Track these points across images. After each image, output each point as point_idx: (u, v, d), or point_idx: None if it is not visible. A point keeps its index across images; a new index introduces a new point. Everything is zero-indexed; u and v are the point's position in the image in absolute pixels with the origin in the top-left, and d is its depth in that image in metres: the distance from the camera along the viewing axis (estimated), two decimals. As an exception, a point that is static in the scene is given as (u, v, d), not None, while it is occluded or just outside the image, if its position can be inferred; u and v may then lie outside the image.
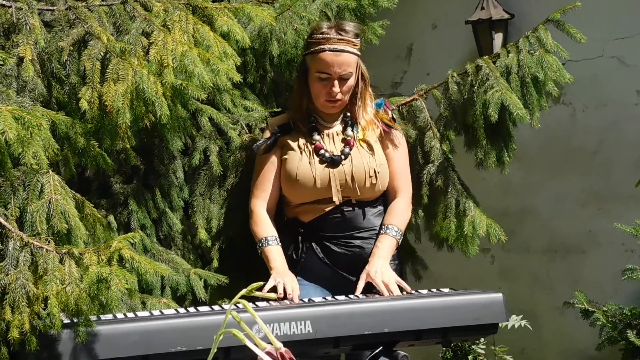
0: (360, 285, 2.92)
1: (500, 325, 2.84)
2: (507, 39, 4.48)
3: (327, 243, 3.01)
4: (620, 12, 4.29)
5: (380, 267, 2.93)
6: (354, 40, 3.00)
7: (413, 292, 2.89)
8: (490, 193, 4.30)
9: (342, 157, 3.00)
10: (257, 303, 2.71)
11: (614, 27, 4.30)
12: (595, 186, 4.42)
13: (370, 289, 2.93)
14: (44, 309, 2.31)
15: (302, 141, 3.03)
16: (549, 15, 3.30)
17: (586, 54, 4.19)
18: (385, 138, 3.07)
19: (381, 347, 2.72)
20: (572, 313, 4.10)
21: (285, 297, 2.82)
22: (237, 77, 2.73)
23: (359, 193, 2.99)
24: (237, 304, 1.64)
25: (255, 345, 1.52)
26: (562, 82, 3.23)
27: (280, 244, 2.99)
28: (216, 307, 2.74)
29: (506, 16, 4.48)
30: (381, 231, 3.01)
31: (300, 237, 3.02)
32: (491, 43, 4.47)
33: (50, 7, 2.87)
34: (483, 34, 4.50)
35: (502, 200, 4.53)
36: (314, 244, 3.01)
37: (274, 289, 2.85)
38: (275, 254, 2.96)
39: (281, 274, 2.89)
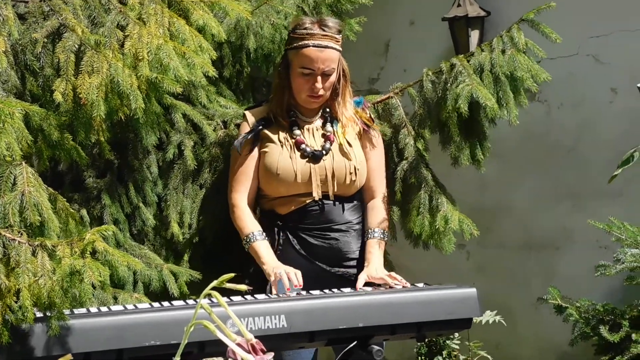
0: (360, 283, 2.95)
1: (475, 320, 2.86)
2: (484, 36, 4.50)
3: (303, 235, 3.02)
4: (595, 11, 4.32)
5: (378, 268, 2.99)
6: (336, 36, 3.01)
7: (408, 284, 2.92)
8: (466, 189, 4.32)
9: (324, 152, 3.02)
10: (231, 297, 2.71)
11: (589, 25, 4.33)
12: (570, 183, 4.45)
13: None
14: (16, 302, 2.30)
15: (282, 135, 3.03)
16: (524, 13, 3.31)
17: (562, 52, 4.21)
18: (363, 136, 3.10)
19: (356, 342, 2.73)
20: (547, 308, 4.12)
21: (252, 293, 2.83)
22: (213, 71, 2.72)
23: (336, 189, 3.01)
24: (212, 298, 1.63)
25: (226, 336, 1.52)
26: (538, 80, 3.25)
27: (266, 238, 2.99)
28: (190, 302, 2.73)
29: (482, 13, 4.50)
30: (369, 236, 3.06)
31: (276, 229, 3.02)
32: (467, 40, 4.49)
33: (24, -1, 2.86)
34: (459, 31, 4.52)
35: (478, 196, 4.55)
36: (290, 236, 3.02)
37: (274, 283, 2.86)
38: (264, 249, 2.96)
39: (275, 267, 2.89)
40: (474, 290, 2.79)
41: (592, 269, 3.93)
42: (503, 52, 3.25)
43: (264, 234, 2.99)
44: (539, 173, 4.52)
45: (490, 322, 4.11)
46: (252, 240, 2.97)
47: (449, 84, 3.22)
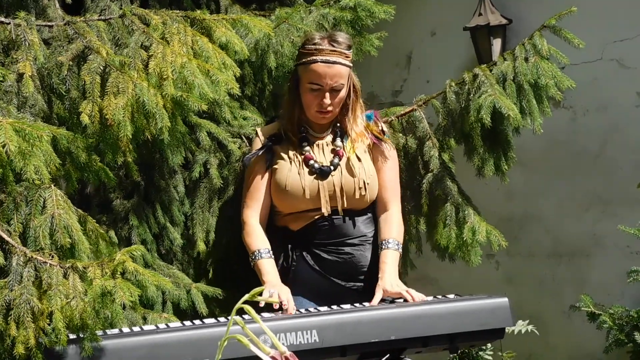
0: (377, 299, 2.91)
1: (507, 330, 2.84)
2: (506, 44, 4.49)
3: (316, 251, 3.01)
4: (618, 15, 4.30)
5: (394, 281, 2.94)
6: (346, 52, 3.00)
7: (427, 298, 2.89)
8: (493, 199, 4.30)
9: (332, 167, 3.01)
10: (262, 314, 2.70)
11: (612, 29, 4.31)
12: (598, 189, 4.42)
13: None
14: (49, 324, 2.31)
15: (292, 151, 3.03)
16: (547, 19, 3.30)
17: (585, 57, 4.19)
18: (374, 150, 3.08)
19: (388, 355, 2.71)
20: (579, 316, 4.09)
21: (280, 309, 2.80)
22: (237, 89, 2.73)
23: (347, 204, 3.00)
24: (243, 314, 1.63)
25: (260, 350, 1.51)
26: (562, 87, 3.23)
27: (272, 256, 2.98)
28: (222, 319, 2.73)
29: (504, 21, 4.49)
30: (382, 247, 3.02)
31: (290, 246, 3.02)
32: (490, 49, 4.47)
33: (49, 23, 2.88)
34: (482, 39, 4.51)
35: (505, 205, 4.53)
36: (304, 252, 3.01)
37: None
38: (268, 267, 2.95)
39: (274, 287, 2.88)
40: (506, 300, 2.77)
41: (623, 275, 3.89)
42: (526, 59, 3.23)
43: (271, 252, 2.98)
44: (566, 180, 4.49)
45: (523, 331, 4.08)
46: (257, 258, 2.96)
47: (471, 95, 3.21)
